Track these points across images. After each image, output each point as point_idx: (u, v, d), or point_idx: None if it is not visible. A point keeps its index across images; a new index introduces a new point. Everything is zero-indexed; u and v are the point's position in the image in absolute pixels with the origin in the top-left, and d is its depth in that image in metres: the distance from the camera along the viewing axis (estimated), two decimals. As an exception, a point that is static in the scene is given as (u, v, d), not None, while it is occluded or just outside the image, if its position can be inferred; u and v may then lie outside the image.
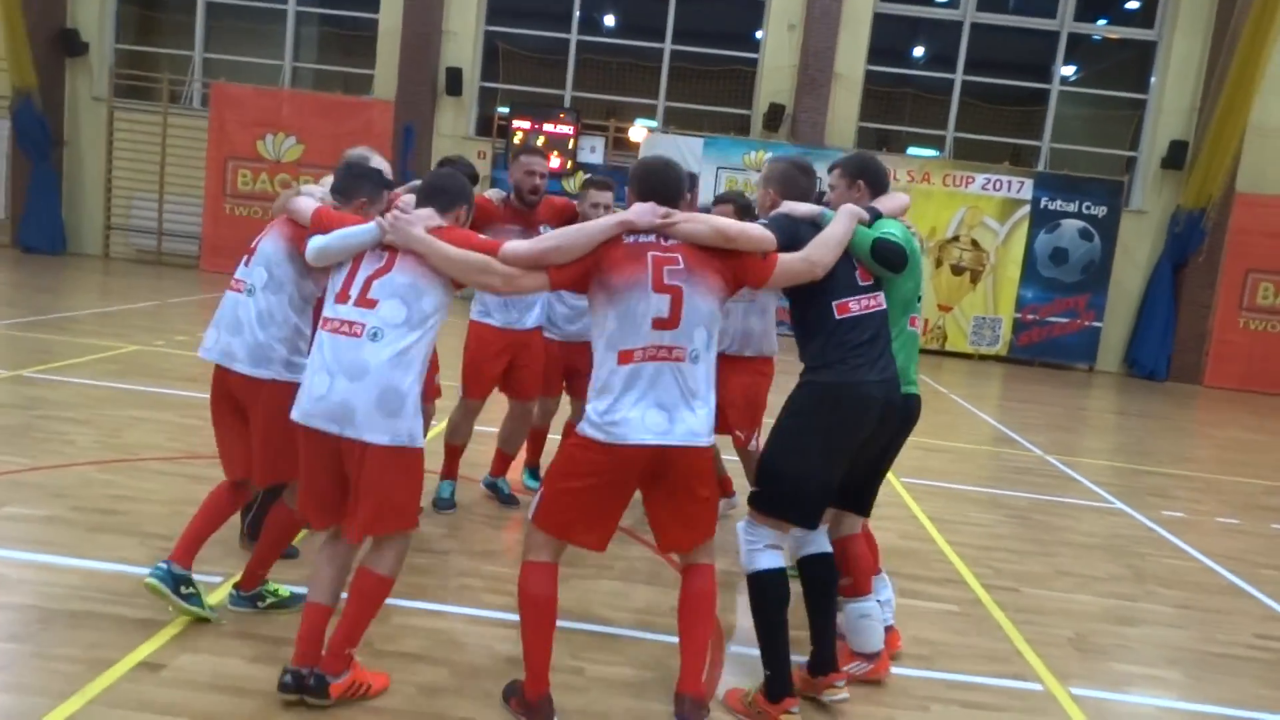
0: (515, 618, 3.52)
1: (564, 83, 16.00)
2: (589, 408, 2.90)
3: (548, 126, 14.87)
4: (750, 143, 15.12)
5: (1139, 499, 6.79)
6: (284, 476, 3.34)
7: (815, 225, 3.24)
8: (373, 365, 2.84)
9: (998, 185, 14.89)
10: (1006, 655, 3.87)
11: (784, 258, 3.06)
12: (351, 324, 2.90)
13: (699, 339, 2.89)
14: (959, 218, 14.97)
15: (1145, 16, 15.57)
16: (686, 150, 14.95)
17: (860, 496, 3.50)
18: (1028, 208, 14.87)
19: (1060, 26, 15.57)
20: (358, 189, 3.33)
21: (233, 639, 3.26)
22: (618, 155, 15.29)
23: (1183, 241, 14.75)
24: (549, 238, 2.97)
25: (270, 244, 3.36)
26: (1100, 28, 16.16)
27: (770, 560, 3.16)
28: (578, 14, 15.87)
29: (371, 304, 2.90)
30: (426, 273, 2.93)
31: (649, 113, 16.04)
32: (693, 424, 2.87)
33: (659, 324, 2.83)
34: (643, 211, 2.91)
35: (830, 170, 3.68)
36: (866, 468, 3.40)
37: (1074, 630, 4.20)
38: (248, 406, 3.36)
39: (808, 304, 3.20)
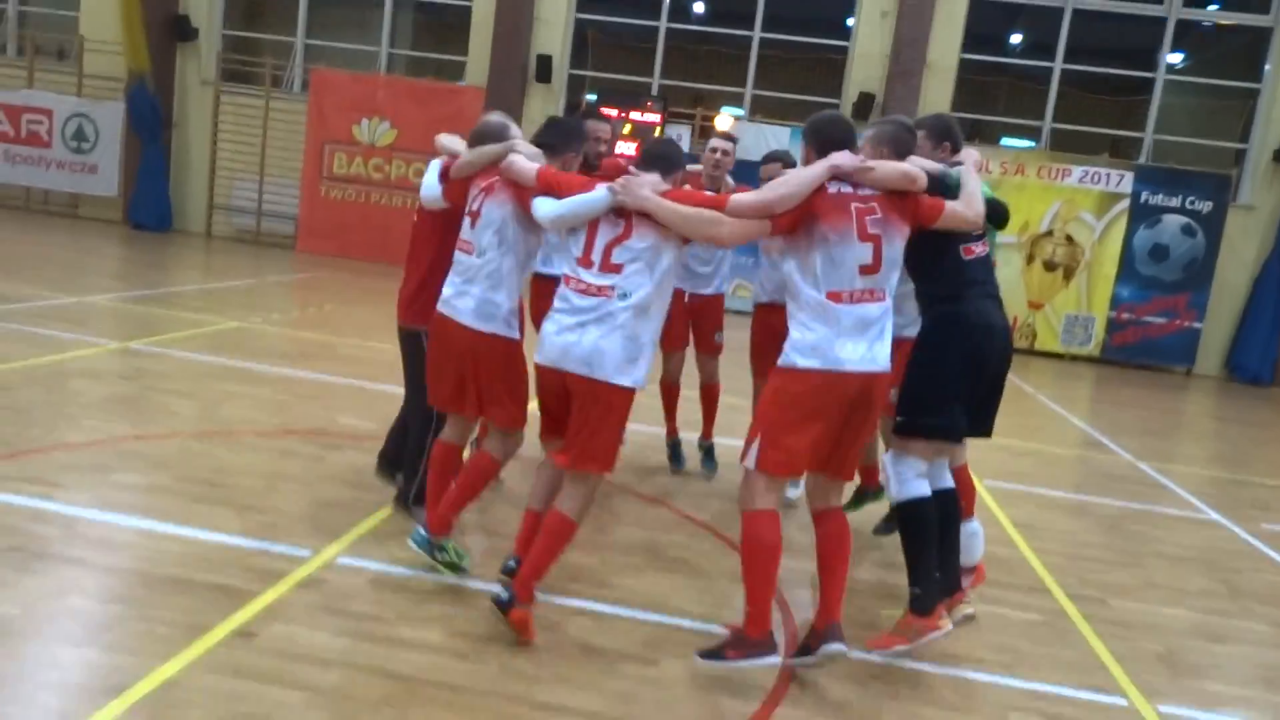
0: (594, 606, 3.58)
1: (652, 70, 16.00)
2: (798, 340, 3.22)
3: (634, 114, 14.85)
4: (839, 132, 14.88)
5: (1238, 511, 6.52)
6: (520, 422, 3.74)
7: (939, 178, 3.51)
8: (621, 319, 3.26)
9: (1096, 178, 14.36)
10: (1090, 667, 3.77)
11: (951, 205, 3.42)
12: (600, 287, 3.30)
13: (892, 280, 3.29)
14: (1054, 212, 14.50)
15: (1261, 1, 14.81)
16: (773, 139, 14.82)
17: (985, 419, 3.81)
18: (1127, 202, 14.30)
19: (1168, 12, 14.89)
20: (567, 145, 3.73)
21: (324, 613, 3.39)
22: (704, 143, 15.21)
23: (1295, 240, 14.06)
24: (772, 188, 3.25)
25: (496, 208, 3.61)
26: (1211, 13, 15.43)
27: (921, 488, 3.58)
28: (668, 1, 15.83)
29: (617, 268, 3.30)
30: (662, 233, 3.29)
31: (736, 101, 15.91)
32: (883, 354, 3.25)
33: (865, 270, 3.21)
34: (847, 158, 3.24)
35: (913, 129, 3.76)
36: (988, 390, 3.74)
37: (1163, 645, 4.07)
38: (476, 358, 3.64)
39: (940, 247, 3.55)
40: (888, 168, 3.26)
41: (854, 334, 3.18)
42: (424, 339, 3.93)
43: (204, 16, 16.44)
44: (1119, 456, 7.94)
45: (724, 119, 15.22)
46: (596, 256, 3.32)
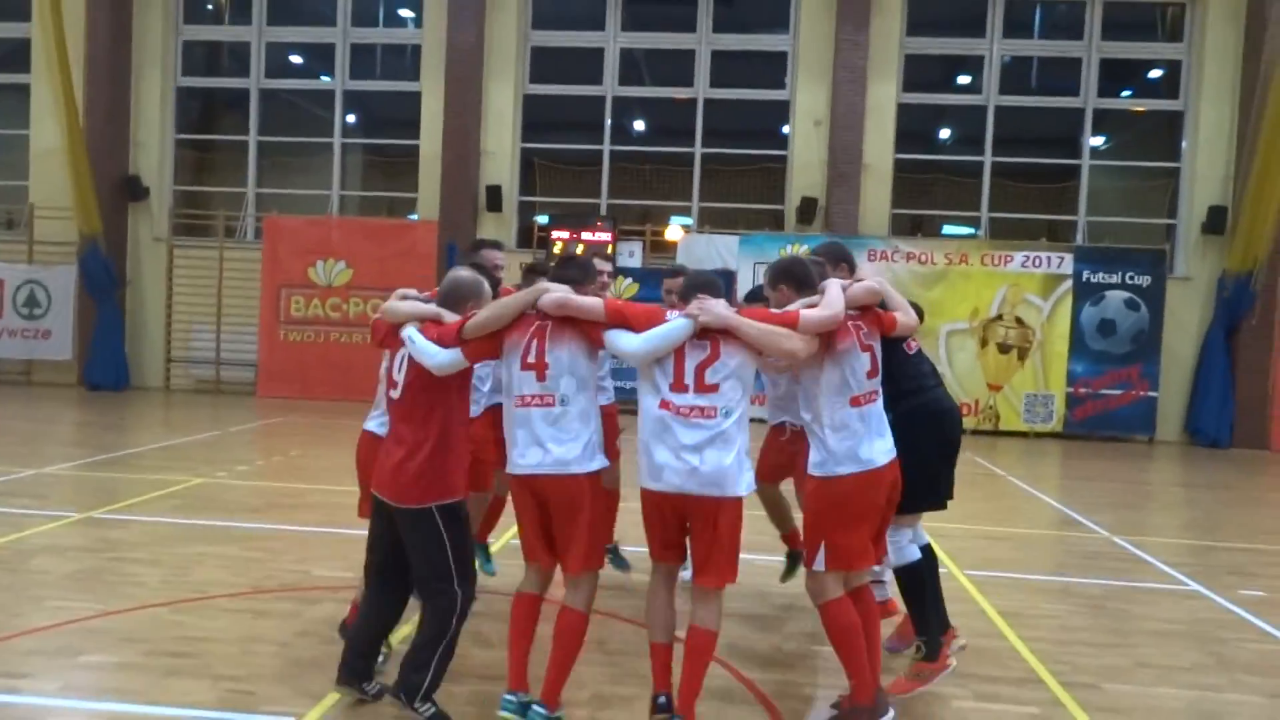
0: None
1: (599, 191, 16.46)
2: (834, 449, 3.66)
3: (585, 234, 15.24)
4: (785, 237, 15.33)
5: (1216, 578, 6.56)
6: (600, 562, 3.75)
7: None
8: (731, 436, 3.47)
9: (1037, 262, 14.86)
10: (1093, 761, 3.72)
11: (897, 315, 3.95)
12: (703, 409, 3.48)
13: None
14: (1001, 296, 14.92)
15: (1170, 87, 15.72)
16: (723, 248, 15.24)
17: (951, 484, 4.39)
18: (1070, 282, 14.79)
19: (1085, 103, 15.74)
20: (589, 278, 3.90)
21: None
22: (656, 257, 15.59)
23: (1233, 305, 14.54)
24: (828, 308, 3.63)
25: (566, 353, 3.61)
26: (1124, 100, 16.31)
27: (914, 553, 4.20)
28: (609, 123, 16.42)
29: (713, 389, 3.49)
30: (746, 350, 3.53)
31: (684, 214, 16.38)
32: (892, 443, 3.81)
33: (869, 375, 3.75)
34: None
35: (812, 253, 4.45)
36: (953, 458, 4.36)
37: (1161, 730, 4.04)
38: (574, 504, 3.59)
39: (889, 351, 3.97)
40: (859, 289, 3.79)
41: (875, 432, 3.72)
42: (460, 510, 3.71)
43: (154, 175, 16.74)
44: (1095, 533, 7.99)
45: (674, 230, 15.63)
46: (690, 380, 3.50)
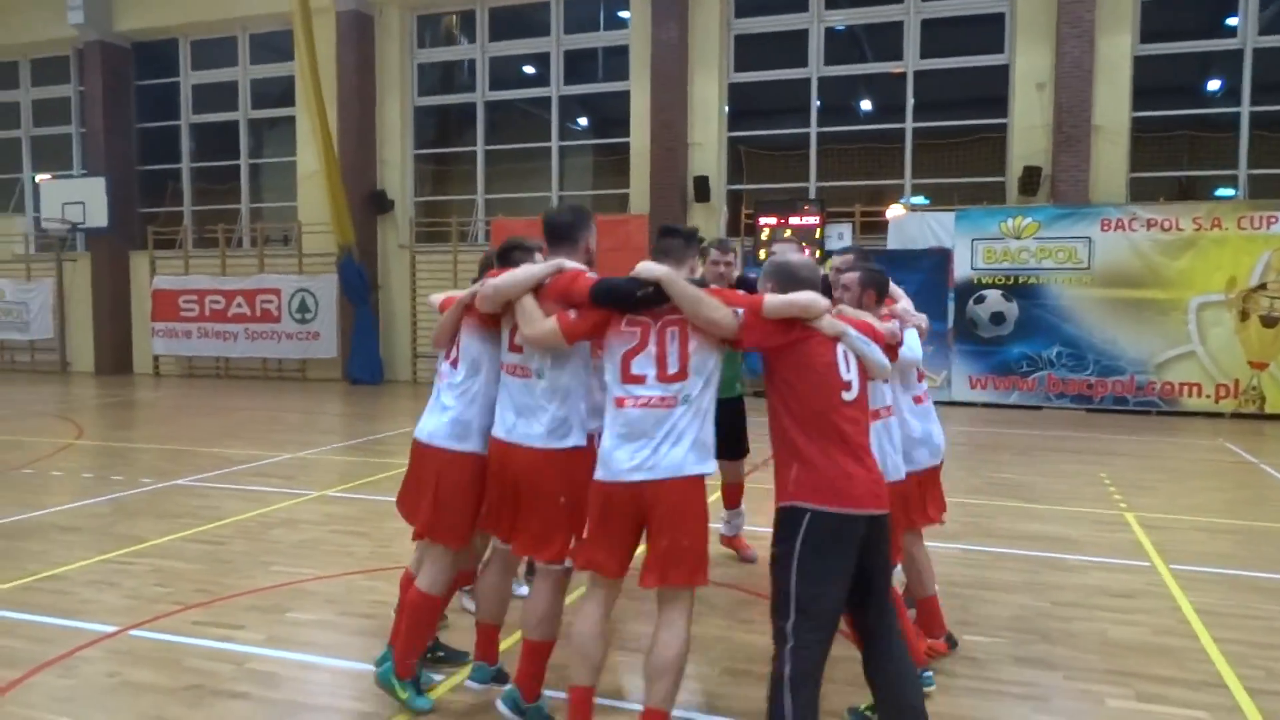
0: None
1: (808, 174, 16.28)
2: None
3: (793, 219, 15.15)
4: (1005, 210, 14.48)
5: None
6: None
7: None
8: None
9: (1308, 221, 13.13)
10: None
11: None
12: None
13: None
14: (1264, 262, 13.31)
15: None
16: (937, 225, 14.63)
17: None
18: (1351, 242, 12.97)
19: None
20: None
21: (443, 733, 3.62)
22: (866, 238, 15.22)
23: None
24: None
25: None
26: None
27: None
28: (815, 105, 16.20)
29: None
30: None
31: (896, 193, 15.84)
32: None
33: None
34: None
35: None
36: None
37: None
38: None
39: None
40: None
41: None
42: None
43: (398, 189, 18.37)
44: (1349, 527, 7.04)
45: (894, 210, 15.15)
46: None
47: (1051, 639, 4.67)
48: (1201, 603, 5.22)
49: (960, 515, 7.10)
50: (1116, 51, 14.28)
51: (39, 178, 20.74)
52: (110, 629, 4.68)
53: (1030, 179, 14.49)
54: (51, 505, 7.46)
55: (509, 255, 3.93)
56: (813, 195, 16.00)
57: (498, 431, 3.66)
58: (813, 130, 16.22)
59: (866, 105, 16.83)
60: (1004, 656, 4.44)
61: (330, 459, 9.84)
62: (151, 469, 9.12)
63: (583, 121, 18.64)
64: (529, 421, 3.55)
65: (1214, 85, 15.13)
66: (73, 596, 5.21)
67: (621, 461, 3.24)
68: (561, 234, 3.72)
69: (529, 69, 18.08)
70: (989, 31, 15.26)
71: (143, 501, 7.67)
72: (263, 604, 5.12)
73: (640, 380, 3.30)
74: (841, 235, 15.23)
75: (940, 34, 15.60)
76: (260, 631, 4.70)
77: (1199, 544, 6.48)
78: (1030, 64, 14.70)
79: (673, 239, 3.58)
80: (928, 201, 15.66)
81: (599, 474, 3.31)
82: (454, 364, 3.87)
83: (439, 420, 3.85)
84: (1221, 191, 14.73)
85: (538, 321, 3.45)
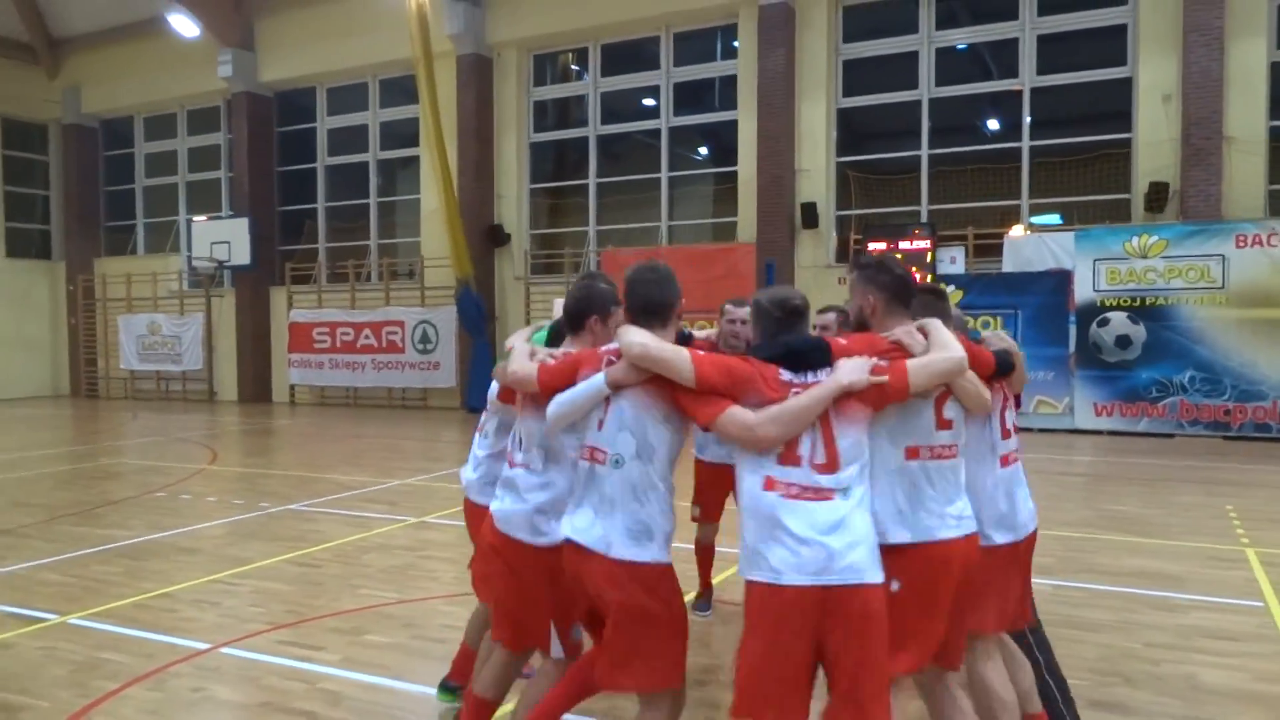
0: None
1: (919, 198, 15.95)
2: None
3: (903, 244, 14.87)
4: (1130, 229, 13.80)
5: None
6: None
7: None
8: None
9: None
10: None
11: None
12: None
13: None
14: None
15: None
16: (1056, 246, 14.08)
17: None
18: None
19: None
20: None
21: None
22: (980, 262, 14.79)
23: None
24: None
25: None
26: None
27: None
28: (926, 126, 15.88)
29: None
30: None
31: (1012, 214, 15.31)
32: None
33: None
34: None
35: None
36: None
37: None
38: None
39: None
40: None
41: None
42: None
43: (514, 223, 18.98)
44: None
45: (1016, 230, 14.67)
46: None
47: (1134, 682, 4.44)
48: (1308, 642, 4.85)
49: (1058, 549, 6.81)
50: (1250, 58, 13.47)
51: (193, 219, 22.46)
52: (204, 646, 5.02)
53: (1157, 195, 13.78)
54: (175, 527, 8.04)
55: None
56: (924, 219, 15.64)
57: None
58: (924, 152, 15.91)
59: (980, 125, 16.39)
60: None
61: (435, 486, 10.22)
62: (271, 494, 9.69)
63: (703, 151, 18.85)
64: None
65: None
66: (176, 614, 5.61)
67: None
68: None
69: (649, 101, 18.37)
70: (1110, 43, 14.66)
71: (257, 525, 8.17)
72: (344, 626, 5.38)
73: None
74: (954, 259, 14.84)
75: (1058, 48, 15.07)
76: (337, 653, 4.94)
77: (1321, 584, 6.01)
78: (1155, 75, 14.03)
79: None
80: (1060, 220, 15.07)
81: None
82: None
83: None
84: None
85: None
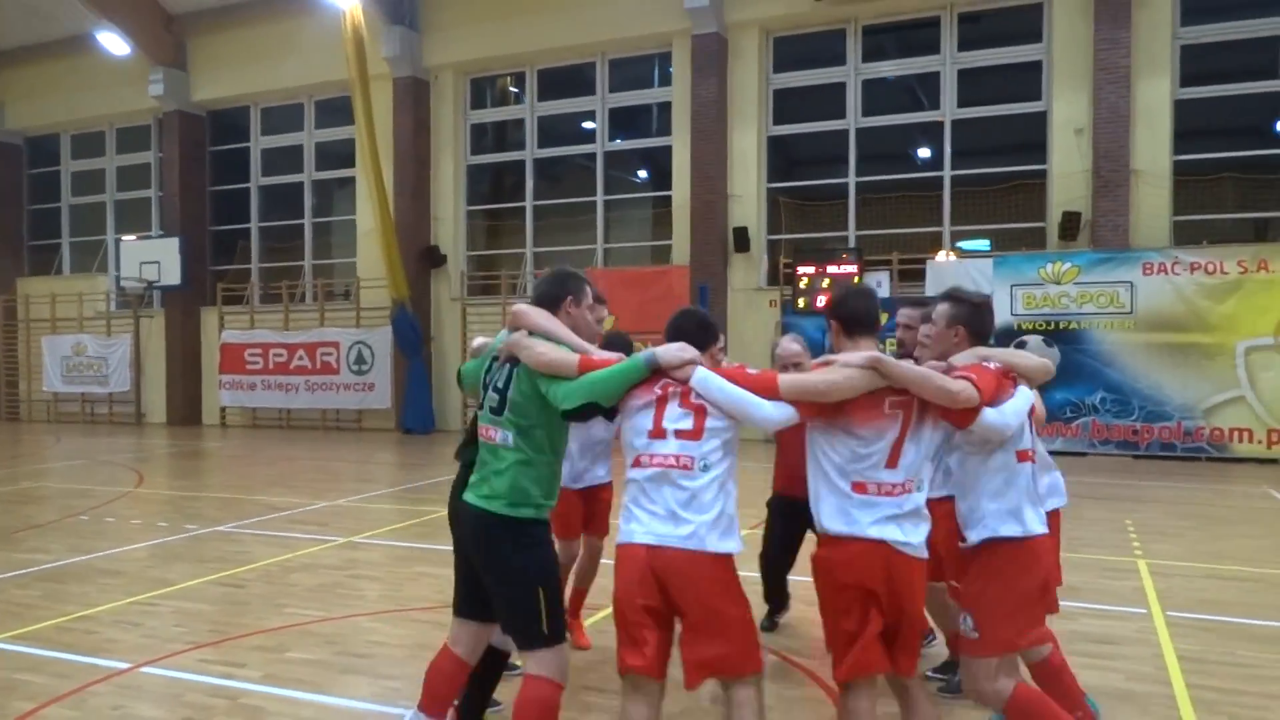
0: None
1: (846, 224, 16.44)
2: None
3: (831, 268, 15.30)
4: (1044, 255, 14.41)
5: None
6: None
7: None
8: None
9: (1360, 262, 12.80)
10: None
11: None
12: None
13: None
14: (1318, 306, 12.99)
15: None
16: (975, 272, 14.60)
17: None
18: None
19: None
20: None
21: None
22: (904, 286, 15.27)
23: None
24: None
25: None
26: None
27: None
28: (854, 155, 16.39)
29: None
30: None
31: (934, 240, 15.87)
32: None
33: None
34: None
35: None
36: None
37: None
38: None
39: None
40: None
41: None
42: None
43: (450, 244, 19.05)
44: (1376, 577, 6.85)
45: (941, 256, 15.17)
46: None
47: (1020, 684, 4.70)
48: (1187, 649, 5.18)
49: (965, 563, 7.11)
50: (1155, 96, 14.21)
51: (122, 239, 22.08)
52: (124, 666, 5.04)
53: (1070, 224, 14.42)
54: (98, 550, 7.95)
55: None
56: (852, 244, 16.13)
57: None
58: (851, 180, 16.41)
59: (906, 154, 16.96)
60: (960, 702, 4.49)
61: (365, 507, 10.24)
62: (198, 516, 9.62)
63: (643, 174, 19.14)
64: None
65: (1247, 126, 14.92)
66: (97, 636, 5.60)
67: None
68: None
69: (589, 125, 18.60)
70: (1027, 79, 15.33)
71: (182, 547, 8.13)
72: (268, 644, 5.43)
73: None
74: (880, 283, 15.30)
75: (979, 82, 15.72)
76: (259, 669, 5.00)
77: (1204, 591, 6.40)
78: (1068, 110, 14.71)
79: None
80: (990, 245, 15.62)
81: None
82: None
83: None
84: None
85: None
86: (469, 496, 3.53)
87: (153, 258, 20.72)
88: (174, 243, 20.68)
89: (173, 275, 20.52)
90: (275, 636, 5.56)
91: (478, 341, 3.93)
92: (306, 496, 10.76)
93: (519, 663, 3.70)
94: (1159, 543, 8.00)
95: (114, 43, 20.33)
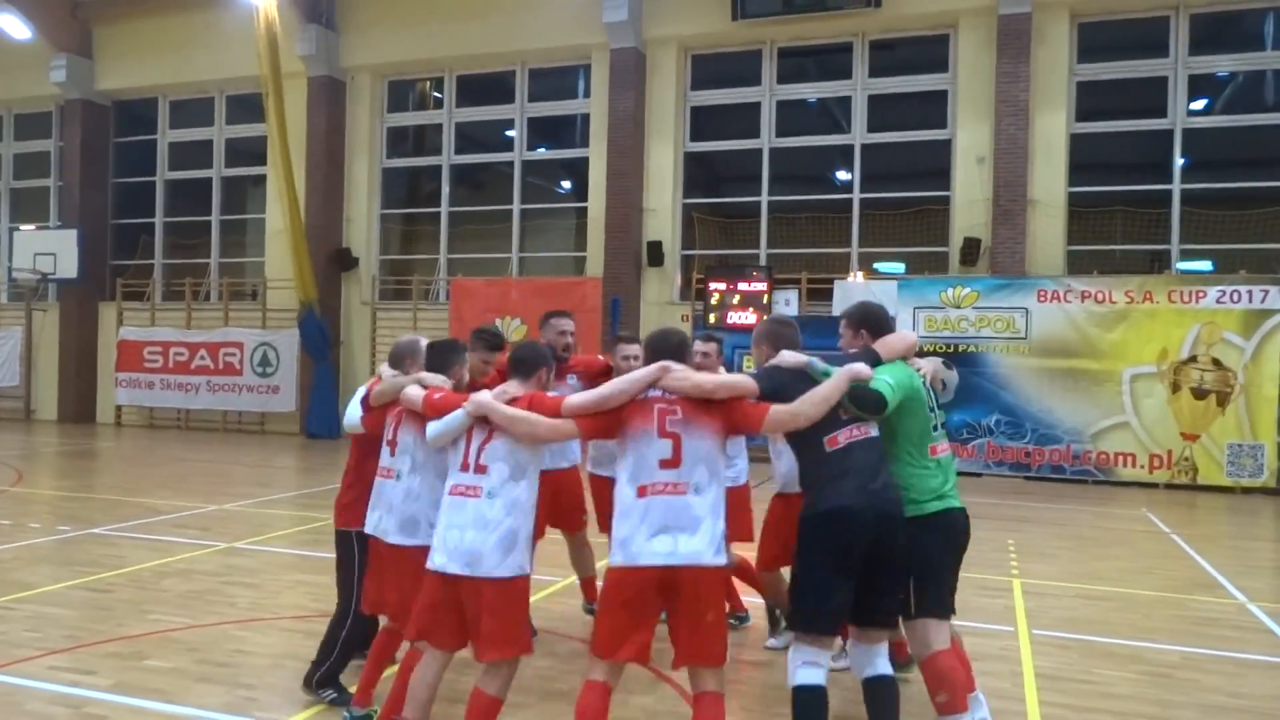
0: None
1: (758, 241, 16.66)
2: (614, 536, 3.47)
3: (742, 285, 15.48)
4: (946, 280, 14.82)
5: (1344, 652, 5.76)
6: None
7: (804, 373, 3.76)
8: (490, 518, 3.53)
9: (1235, 296, 13.45)
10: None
11: (774, 409, 3.58)
12: (470, 488, 3.61)
13: (699, 475, 3.44)
14: (1193, 336, 13.61)
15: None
16: (880, 293, 14.92)
17: (880, 605, 3.77)
18: (1279, 318, 13.28)
19: (1292, 119, 14.19)
20: (451, 361, 4.21)
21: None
22: (812, 305, 15.53)
23: None
24: (595, 393, 3.60)
25: (408, 435, 4.06)
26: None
27: (807, 676, 3.60)
28: (766, 174, 16.64)
29: (483, 469, 3.61)
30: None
31: (843, 261, 16.18)
32: (696, 546, 3.36)
33: (664, 464, 3.43)
34: (651, 370, 3.56)
35: (840, 319, 4.29)
36: (890, 576, 3.74)
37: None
38: (400, 570, 4.00)
39: (802, 441, 3.79)
40: (682, 379, 3.51)
41: (656, 526, 3.36)
42: (354, 540, 4.41)
43: (363, 247, 18.73)
44: (1229, 600, 7.18)
45: (851, 277, 15.45)
46: (471, 460, 3.66)
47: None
48: (1045, 667, 5.35)
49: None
50: (1052, 129, 14.77)
51: (18, 228, 21.14)
52: (-36, 672, 4.80)
53: (970, 250, 14.86)
54: (-43, 551, 7.57)
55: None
56: (763, 261, 16.35)
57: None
58: (764, 198, 16.65)
59: (817, 175, 17.29)
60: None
61: (255, 511, 9.95)
62: (73, 517, 9.23)
63: (566, 185, 19.09)
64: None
65: (1140, 162, 15.61)
66: (-60, 640, 5.32)
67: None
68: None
69: (511, 133, 18.49)
70: (934, 107, 15.78)
71: (50, 549, 7.79)
72: (124, 651, 5.23)
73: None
74: (788, 301, 15.54)
75: (888, 108, 16.11)
76: (110, 678, 4.81)
77: (1071, 610, 6.62)
78: (971, 140, 15.18)
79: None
80: (905, 269, 15.94)
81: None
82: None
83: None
84: (1187, 265, 14.95)
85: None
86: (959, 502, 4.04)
87: (49, 249, 19.89)
88: (72, 234, 19.89)
89: (69, 268, 19.73)
90: (134, 644, 5.36)
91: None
92: (195, 500, 10.42)
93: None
94: (1036, 563, 8.26)
95: (14, 26, 19.50)
